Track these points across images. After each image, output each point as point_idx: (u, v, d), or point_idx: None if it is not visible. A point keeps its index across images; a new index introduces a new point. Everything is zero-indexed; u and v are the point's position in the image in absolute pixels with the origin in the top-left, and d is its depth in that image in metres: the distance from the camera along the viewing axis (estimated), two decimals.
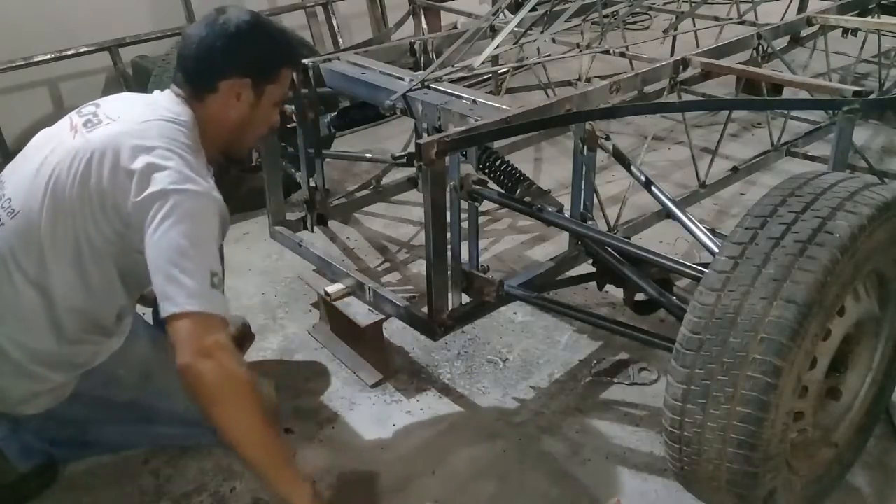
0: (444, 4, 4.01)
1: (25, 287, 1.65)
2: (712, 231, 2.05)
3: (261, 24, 1.80)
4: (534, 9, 2.77)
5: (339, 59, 2.50)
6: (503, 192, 2.12)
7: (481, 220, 2.82)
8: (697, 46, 3.16)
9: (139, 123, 1.67)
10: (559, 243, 2.77)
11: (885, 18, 3.70)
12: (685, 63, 2.52)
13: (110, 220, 1.63)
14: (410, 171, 3.09)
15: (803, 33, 3.98)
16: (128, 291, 1.76)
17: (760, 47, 2.94)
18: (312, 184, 2.62)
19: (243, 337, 2.36)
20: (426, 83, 2.21)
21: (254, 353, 2.36)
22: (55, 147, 1.70)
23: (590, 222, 2.29)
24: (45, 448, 1.84)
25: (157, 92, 1.82)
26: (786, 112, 3.26)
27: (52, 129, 1.79)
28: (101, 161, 1.62)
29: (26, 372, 1.68)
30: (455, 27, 4.38)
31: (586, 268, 2.24)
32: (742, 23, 3.20)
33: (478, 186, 2.01)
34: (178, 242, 1.53)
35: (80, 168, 1.63)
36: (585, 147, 2.19)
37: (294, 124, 2.50)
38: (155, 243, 1.54)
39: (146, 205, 1.56)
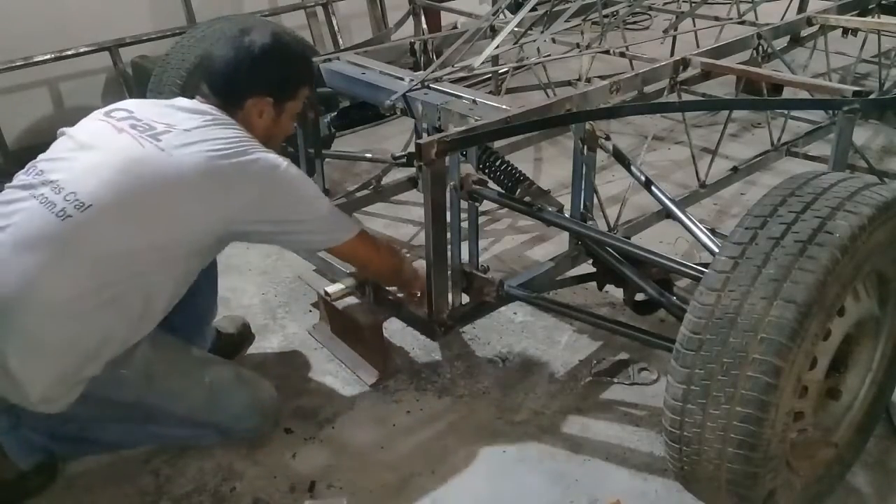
0: (444, 4, 4.01)
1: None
2: (712, 231, 2.06)
3: (283, 46, 1.97)
4: (534, 9, 2.77)
5: (339, 59, 2.50)
6: (503, 192, 2.12)
7: (481, 220, 2.82)
8: (697, 46, 3.16)
9: (210, 132, 1.78)
10: (559, 243, 2.76)
11: (885, 18, 3.70)
12: (685, 63, 2.52)
13: (208, 226, 1.76)
14: (410, 171, 3.09)
15: (803, 33, 3.98)
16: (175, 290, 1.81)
17: (760, 47, 2.94)
18: None
19: (243, 337, 2.36)
20: (426, 83, 2.21)
21: (254, 353, 2.36)
22: (113, 148, 1.75)
23: (590, 222, 2.29)
24: (45, 443, 1.84)
25: (181, 99, 1.92)
26: (786, 112, 3.25)
27: (85, 128, 1.84)
28: (193, 176, 1.71)
29: (61, 363, 1.67)
30: (455, 27, 4.38)
31: (586, 268, 2.24)
32: (742, 23, 3.20)
33: (478, 186, 2.01)
34: (305, 206, 1.86)
35: (167, 181, 1.70)
36: (585, 147, 2.19)
37: (294, 124, 2.51)
38: (286, 223, 1.84)
39: (256, 203, 1.77)
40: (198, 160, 1.72)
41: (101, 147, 1.76)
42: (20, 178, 1.76)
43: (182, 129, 1.77)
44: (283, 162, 1.83)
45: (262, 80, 1.91)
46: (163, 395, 1.84)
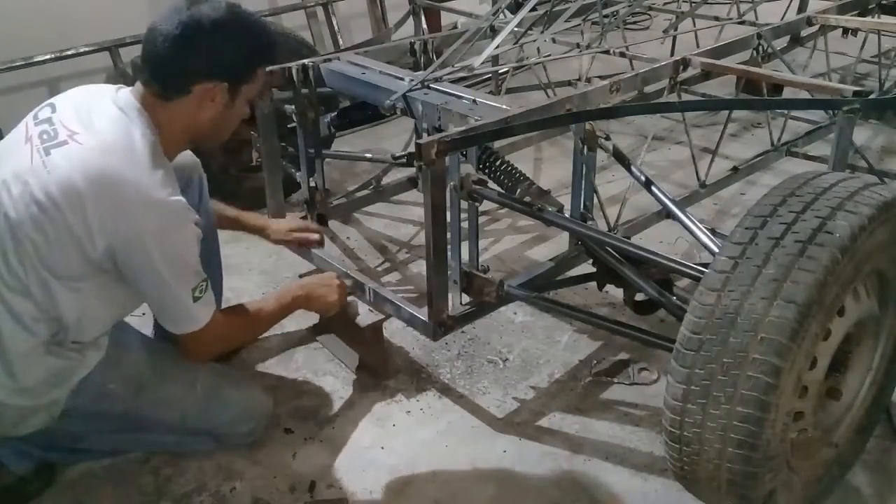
0: (444, 4, 4.01)
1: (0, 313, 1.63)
2: (712, 231, 2.05)
3: (238, 20, 1.68)
4: (534, 9, 2.77)
5: (339, 59, 2.50)
6: (503, 192, 2.12)
7: (481, 220, 2.82)
8: (697, 46, 3.16)
9: (100, 151, 1.60)
10: (559, 243, 2.76)
11: (885, 18, 3.70)
12: (685, 63, 2.52)
13: (79, 259, 1.61)
14: (410, 171, 3.08)
15: (803, 33, 3.97)
16: (93, 323, 1.73)
17: (760, 47, 2.94)
18: (312, 184, 2.62)
19: None
20: (426, 83, 2.20)
21: (254, 353, 2.36)
22: (9, 166, 1.63)
23: (590, 222, 2.29)
24: (39, 454, 1.84)
25: (111, 91, 1.72)
26: (786, 112, 3.25)
27: (8, 139, 1.74)
28: (63, 200, 1.56)
29: (9, 400, 1.66)
30: (455, 27, 4.38)
31: (586, 268, 2.24)
32: (742, 23, 3.20)
33: (478, 186, 2.01)
34: (158, 278, 1.64)
35: (33, 200, 1.57)
36: (585, 147, 2.19)
37: (294, 124, 2.51)
38: (139, 281, 1.66)
39: (120, 246, 1.59)
40: (71, 176, 1.56)
41: (2, 166, 1.66)
42: None
43: (82, 136, 1.61)
44: (165, 212, 1.61)
45: (214, 61, 1.65)
46: (153, 404, 1.83)
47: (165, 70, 1.65)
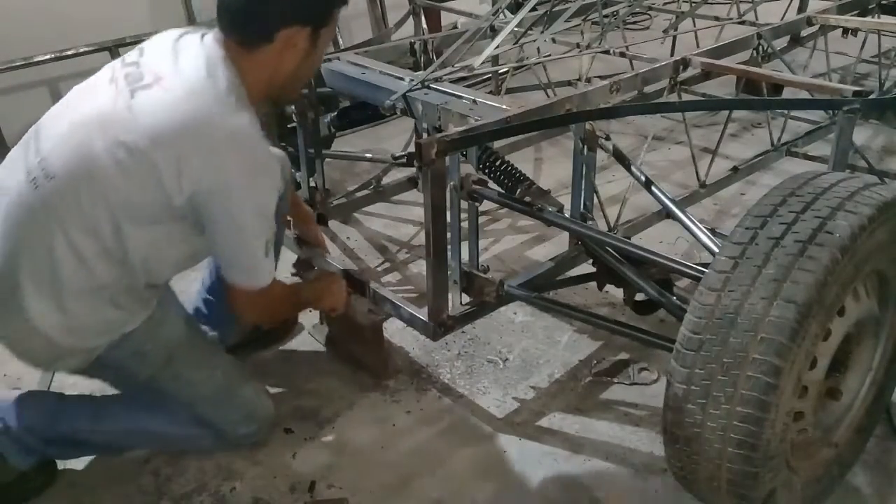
0: (444, 4, 4.00)
1: (64, 250, 1.62)
2: (712, 231, 2.05)
3: None
4: (534, 9, 2.77)
5: (339, 59, 2.50)
6: (503, 192, 2.12)
7: (481, 220, 2.82)
8: (697, 46, 3.15)
9: (187, 96, 1.58)
10: (559, 243, 2.76)
11: (885, 18, 3.70)
12: (685, 63, 2.52)
13: (161, 204, 1.61)
14: (410, 171, 3.08)
15: (803, 33, 3.97)
16: (159, 267, 1.75)
17: (760, 47, 2.94)
18: (312, 184, 2.62)
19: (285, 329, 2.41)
20: (426, 83, 2.20)
21: (254, 353, 2.36)
22: (92, 105, 1.63)
23: (590, 222, 2.29)
24: (39, 448, 1.84)
25: (198, 38, 1.69)
26: (786, 112, 3.25)
27: (90, 81, 1.72)
28: (151, 145, 1.55)
29: (57, 338, 1.68)
30: (455, 27, 4.37)
31: (586, 268, 2.24)
32: (742, 23, 3.20)
33: (478, 186, 2.01)
34: (238, 223, 1.64)
35: (119, 144, 1.56)
36: (585, 147, 2.19)
37: (294, 124, 2.50)
38: (217, 224, 1.64)
39: (207, 188, 1.59)
40: (159, 121, 1.56)
41: (83, 104, 1.65)
42: (26, 135, 1.72)
43: (168, 81, 1.60)
44: (251, 163, 1.62)
45: (297, 5, 1.64)
46: (176, 377, 1.83)
47: (247, 17, 1.63)
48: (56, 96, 3.52)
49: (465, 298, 2.16)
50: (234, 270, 1.75)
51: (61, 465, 1.95)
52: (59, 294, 1.65)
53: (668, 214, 2.23)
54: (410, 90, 2.18)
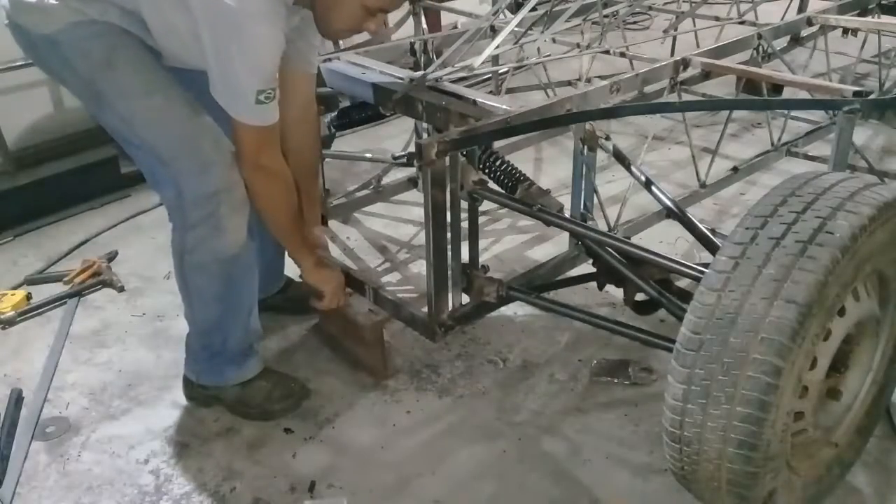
0: (444, 4, 4.00)
1: None
2: (712, 231, 2.05)
3: None
4: (534, 9, 2.77)
5: (339, 59, 2.50)
6: (503, 192, 2.12)
7: (481, 220, 2.82)
8: (697, 46, 3.16)
9: None
10: (559, 243, 2.77)
11: (885, 18, 3.70)
12: (685, 63, 2.52)
13: None
14: (410, 171, 3.09)
15: (803, 33, 3.97)
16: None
17: (760, 47, 2.94)
18: None
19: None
20: (426, 83, 2.20)
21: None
22: None
23: (590, 222, 2.29)
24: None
25: None
26: (786, 112, 3.25)
27: None
28: None
29: None
30: (455, 27, 4.38)
31: (586, 268, 2.24)
32: (742, 23, 3.20)
33: (478, 186, 2.01)
34: (229, 54, 1.68)
35: None
36: (585, 147, 2.19)
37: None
38: (210, 44, 1.69)
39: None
40: None
41: None
42: None
43: None
44: (274, 12, 1.68)
45: None
46: (115, 89, 1.81)
47: None
48: (56, 96, 3.55)
49: (465, 298, 2.16)
50: (222, 94, 1.76)
51: (62, 464, 1.95)
52: None
53: (669, 214, 2.23)
54: (410, 90, 2.18)
